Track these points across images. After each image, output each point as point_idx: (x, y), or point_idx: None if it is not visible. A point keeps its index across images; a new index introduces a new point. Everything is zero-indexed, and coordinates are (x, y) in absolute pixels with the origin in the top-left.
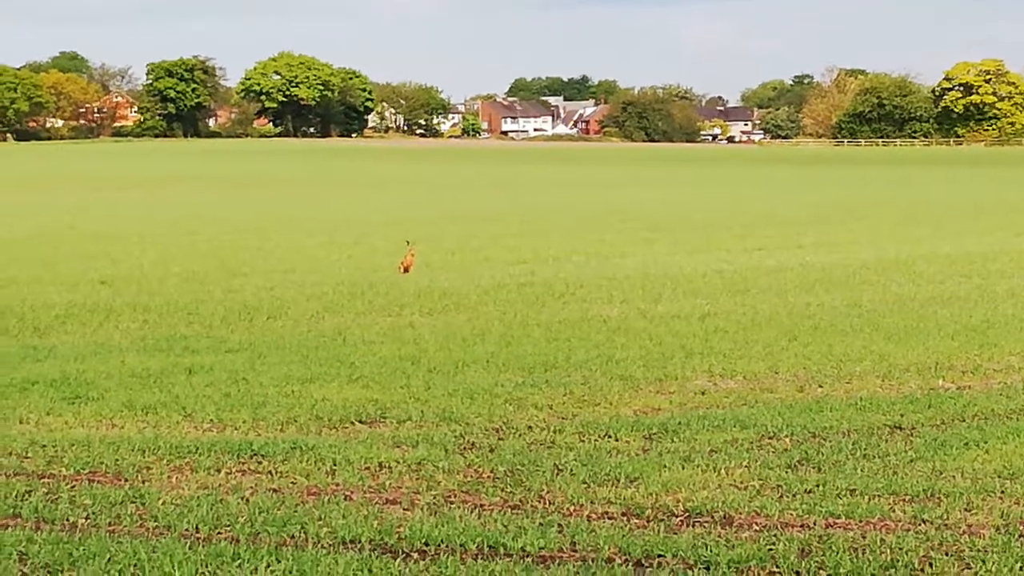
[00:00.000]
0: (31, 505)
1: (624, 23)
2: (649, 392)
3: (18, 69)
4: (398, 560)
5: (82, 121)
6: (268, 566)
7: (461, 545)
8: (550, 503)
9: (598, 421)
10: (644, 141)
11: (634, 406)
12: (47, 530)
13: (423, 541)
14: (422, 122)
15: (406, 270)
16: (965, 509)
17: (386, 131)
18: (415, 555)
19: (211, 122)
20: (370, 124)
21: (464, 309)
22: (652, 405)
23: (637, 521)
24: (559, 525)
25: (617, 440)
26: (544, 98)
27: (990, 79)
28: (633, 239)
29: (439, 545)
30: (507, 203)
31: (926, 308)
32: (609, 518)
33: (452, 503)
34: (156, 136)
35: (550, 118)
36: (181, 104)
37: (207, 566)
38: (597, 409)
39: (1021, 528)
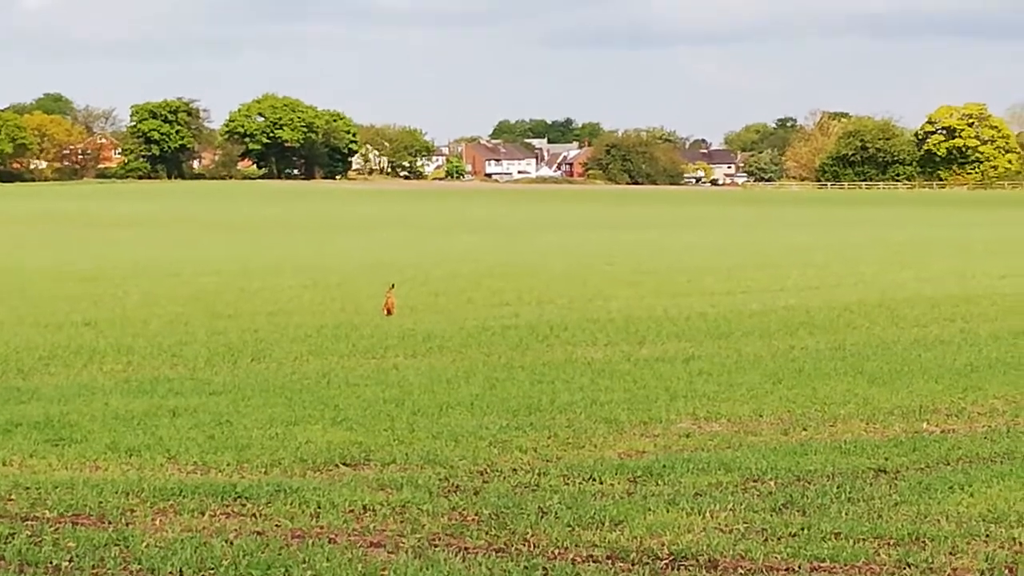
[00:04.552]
0: (14, 548)
1: (608, 65)
2: (634, 435)
3: (2, 110)
4: None
5: (66, 163)
6: None
7: None
8: (535, 546)
9: (583, 464)
10: (628, 184)
11: (618, 449)
12: (31, 573)
13: None
14: (406, 164)
15: (389, 312)
16: (950, 553)
17: (370, 173)
18: None
19: (195, 164)
20: (354, 166)
21: (448, 351)
22: (636, 448)
23: (622, 564)
24: (544, 568)
25: (602, 483)
26: (528, 140)
27: (973, 123)
28: (617, 282)
29: None
30: (491, 245)
31: (910, 351)
32: (594, 561)
33: (437, 546)
34: (140, 178)
35: (534, 160)
36: (165, 146)
37: None
38: (582, 452)
39: (1006, 572)
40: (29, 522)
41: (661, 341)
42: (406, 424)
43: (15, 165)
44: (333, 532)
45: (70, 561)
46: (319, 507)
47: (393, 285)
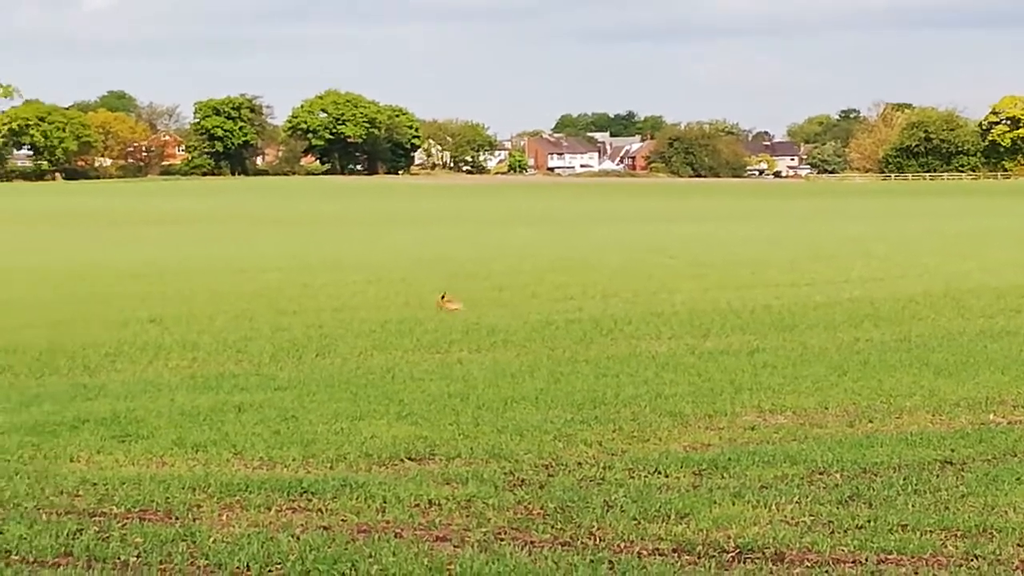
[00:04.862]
0: (82, 543)
1: (670, 58)
2: (698, 428)
3: (66, 108)
4: None
5: (130, 160)
6: None
7: None
8: (600, 540)
9: (648, 457)
10: (691, 176)
11: (684, 442)
12: (99, 568)
13: None
14: (468, 159)
15: (453, 309)
16: (1018, 544)
17: (432, 168)
18: None
19: (258, 160)
20: (416, 161)
21: (512, 346)
22: (702, 441)
23: (688, 558)
24: (610, 562)
25: (667, 476)
26: (590, 134)
27: None
28: (680, 275)
29: None
30: (553, 239)
31: (975, 343)
32: (660, 555)
33: (502, 540)
34: (204, 174)
35: (596, 154)
36: (228, 142)
37: None
38: (647, 445)
39: None
40: (97, 518)
41: (725, 334)
42: (471, 418)
43: (80, 163)
44: (399, 527)
45: (138, 556)
46: (385, 502)
47: (444, 295)
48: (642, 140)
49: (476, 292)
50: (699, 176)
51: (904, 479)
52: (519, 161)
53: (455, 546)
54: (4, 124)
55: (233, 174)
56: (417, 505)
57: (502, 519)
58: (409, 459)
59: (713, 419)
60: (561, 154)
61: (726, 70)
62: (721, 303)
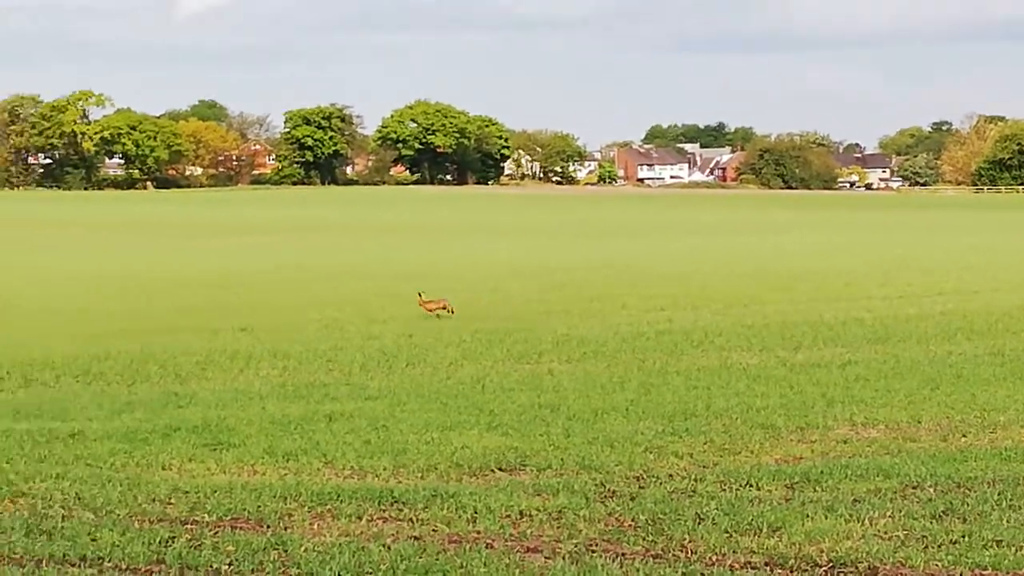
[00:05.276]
0: (175, 551)
1: (759, 70)
2: (791, 441)
3: (158, 118)
4: None
5: (221, 169)
6: None
7: None
8: (692, 552)
9: (739, 470)
10: (781, 188)
11: (775, 455)
12: None
13: None
14: (558, 169)
15: (433, 310)
16: None
17: (522, 178)
18: None
19: (348, 170)
20: (506, 171)
21: (603, 357)
22: (794, 454)
23: (780, 571)
24: (701, 574)
25: (759, 489)
26: (680, 145)
27: None
28: (772, 286)
29: None
30: (644, 250)
31: None
32: (752, 568)
33: (594, 552)
34: (294, 184)
35: (686, 165)
36: (319, 152)
37: None
38: (738, 458)
39: None
40: (189, 526)
41: (817, 346)
42: (561, 429)
43: (171, 172)
44: (490, 537)
45: (229, 565)
46: (476, 512)
47: (420, 293)
48: (732, 151)
49: (567, 303)
50: (790, 188)
51: (999, 494)
52: (609, 172)
53: (546, 557)
54: (96, 133)
55: (323, 184)
56: (508, 516)
57: (593, 531)
58: (500, 470)
59: (805, 432)
60: (651, 165)
61: (817, 82)
62: (812, 315)
